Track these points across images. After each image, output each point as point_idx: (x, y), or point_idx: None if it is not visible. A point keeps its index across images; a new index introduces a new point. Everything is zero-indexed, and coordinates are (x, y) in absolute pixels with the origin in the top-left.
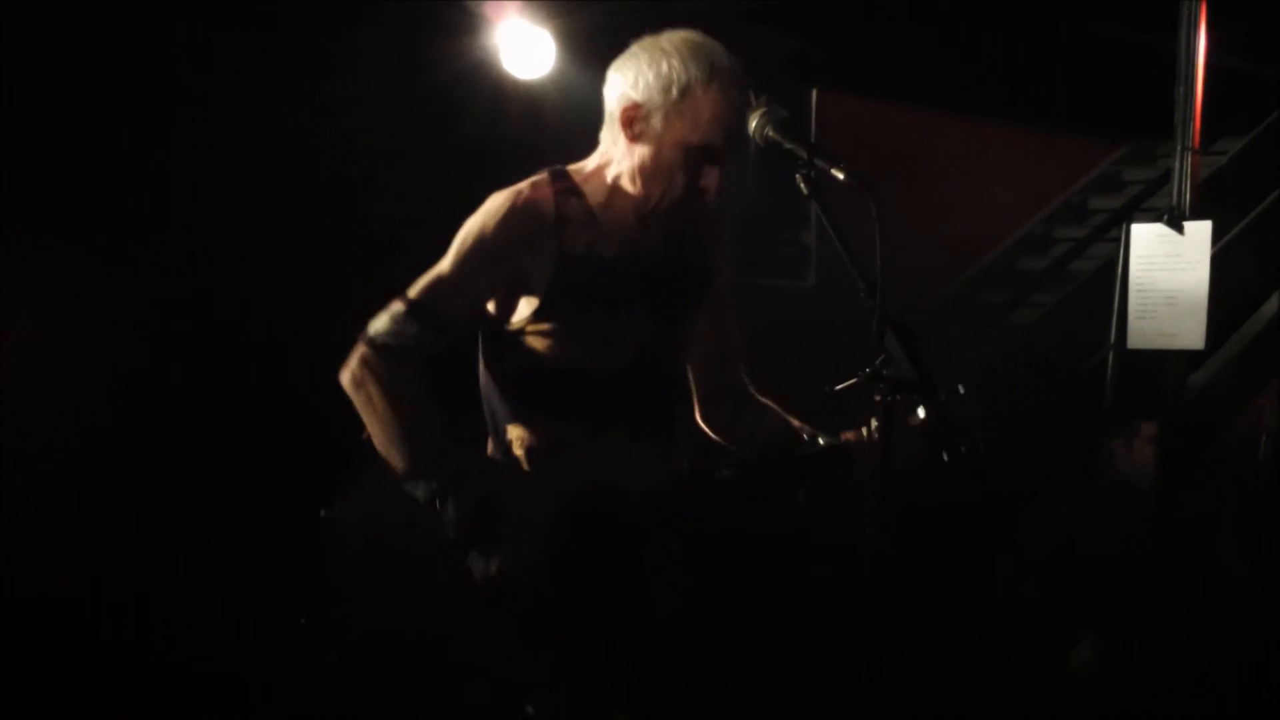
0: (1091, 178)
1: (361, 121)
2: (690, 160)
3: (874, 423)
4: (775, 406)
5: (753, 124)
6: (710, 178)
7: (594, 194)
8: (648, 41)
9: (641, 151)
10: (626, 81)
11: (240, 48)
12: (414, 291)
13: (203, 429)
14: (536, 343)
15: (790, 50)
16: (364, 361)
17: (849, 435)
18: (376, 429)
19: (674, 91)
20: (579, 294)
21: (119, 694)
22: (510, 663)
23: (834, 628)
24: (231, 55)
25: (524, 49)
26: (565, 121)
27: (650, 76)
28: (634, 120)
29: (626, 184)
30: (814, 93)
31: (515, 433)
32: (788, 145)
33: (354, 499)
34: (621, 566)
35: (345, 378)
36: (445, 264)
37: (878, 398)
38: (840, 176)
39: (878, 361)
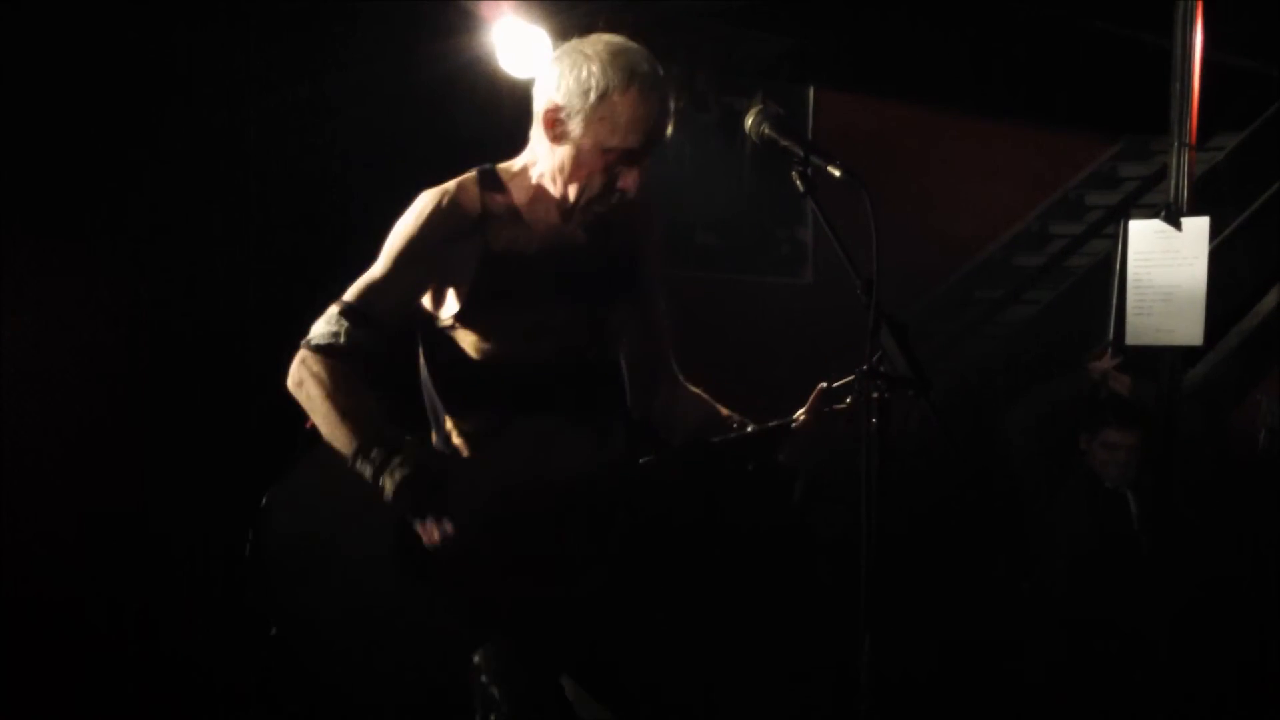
0: (1087, 174)
1: (356, 119)
2: (608, 162)
3: (801, 412)
4: (704, 395)
5: (749, 121)
6: (628, 178)
7: (519, 192)
8: (572, 45)
9: (561, 153)
10: (549, 84)
11: (234, 46)
12: (349, 294)
13: (202, 429)
14: (465, 338)
15: (785, 48)
16: (302, 362)
17: (775, 423)
18: (320, 421)
19: (592, 96)
20: (501, 290)
21: (119, 694)
22: (439, 638)
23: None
24: (225, 54)
25: (519, 47)
26: None
27: (570, 80)
28: (555, 122)
29: (548, 183)
30: (810, 91)
31: (452, 423)
32: (784, 143)
33: (293, 482)
34: (553, 545)
35: (288, 381)
36: (377, 265)
37: (874, 394)
38: (836, 174)
39: (874, 358)
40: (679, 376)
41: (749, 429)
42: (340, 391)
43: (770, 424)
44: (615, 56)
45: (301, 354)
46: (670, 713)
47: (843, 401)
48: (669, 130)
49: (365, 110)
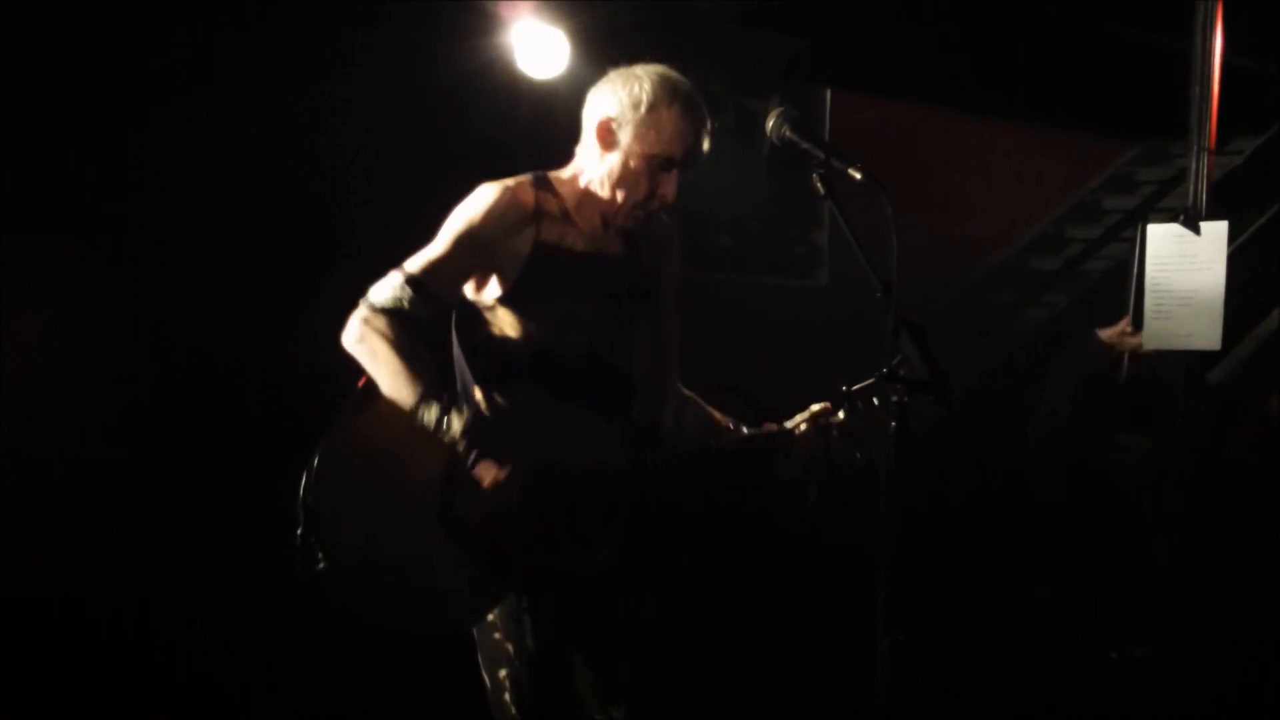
0: (1104, 178)
1: (374, 120)
2: (652, 169)
3: (801, 419)
4: (700, 400)
5: (769, 124)
6: (668, 185)
7: (569, 196)
8: (623, 69)
9: (612, 160)
10: (603, 100)
11: (251, 45)
12: (413, 267)
13: (203, 429)
14: (504, 320)
15: (801, 50)
16: (364, 320)
17: (770, 426)
18: (383, 373)
19: (642, 108)
20: (548, 280)
21: (119, 694)
22: (467, 583)
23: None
24: (241, 53)
25: (538, 49)
26: (576, 121)
27: (623, 95)
28: (607, 132)
29: (597, 189)
30: (828, 93)
31: (481, 395)
32: (804, 145)
33: (347, 434)
34: (566, 521)
35: (347, 336)
36: (439, 244)
37: (894, 397)
38: (857, 176)
39: (894, 362)
40: (679, 383)
41: (744, 431)
42: (405, 346)
43: (770, 429)
44: (663, 78)
45: (364, 312)
46: (669, 699)
47: (835, 415)
48: (706, 145)
49: (382, 110)
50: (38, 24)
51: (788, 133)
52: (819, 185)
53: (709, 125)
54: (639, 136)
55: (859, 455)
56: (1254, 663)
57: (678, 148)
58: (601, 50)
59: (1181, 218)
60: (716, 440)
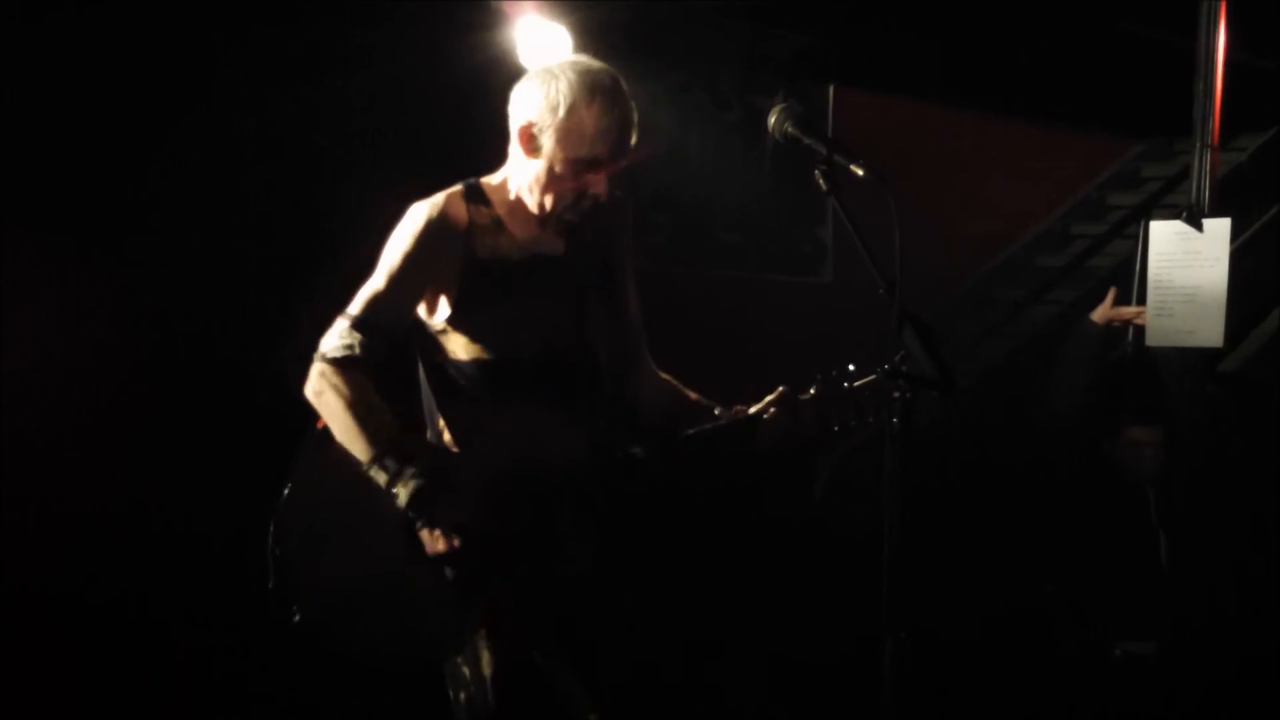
0: (1110, 174)
1: (376, 117)
2: (578, 171)
3: (768, 401)
4: (675, 381)
5: (772, 120)
6: (598, 184)
7: (500, 203)
8: (542, 68)
9: (536, 166)
10: (523, 103)
11: (253, 43)
12: (354, 308)
13: (204, 428)
14: (455, 340)
15: (806, 46)
16: (320, 375)
17: (740, 409)
18: (339, 429)
19: (561, 111)
20: (487, 294)
21: (119, 694)
22: (443, 614)
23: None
24: (244, 51)
25: (541, 45)
26: None
27: (541, 98)
28: (529, 137)
29: (524, 195)
30: (831, 89)
31: (444, 419)
32: (807, 141)
33: (309, 476)
34: (539, 532)
35: (307, 389)
36: (377, 278)
37: (897, 393)
38: (860, 173)
39: (897, 357)
40: (651, 364)
41: (717, 411)
42: (358, 403)
43: (740, 414)
44: (580, 75)
45: (319, 367)
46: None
47: (807, 392)
48: (634, 140)
49: (384, 106)
50: (40, 24)
51: (790, 129)
52: (822, 181)
53: (635, 117)
54: (561, 141)
55: (836, 429)
56: (1258, 660)
57: (602, 148)
58: (605, 47)
59: (1184, 214)
60: (687, 425)
